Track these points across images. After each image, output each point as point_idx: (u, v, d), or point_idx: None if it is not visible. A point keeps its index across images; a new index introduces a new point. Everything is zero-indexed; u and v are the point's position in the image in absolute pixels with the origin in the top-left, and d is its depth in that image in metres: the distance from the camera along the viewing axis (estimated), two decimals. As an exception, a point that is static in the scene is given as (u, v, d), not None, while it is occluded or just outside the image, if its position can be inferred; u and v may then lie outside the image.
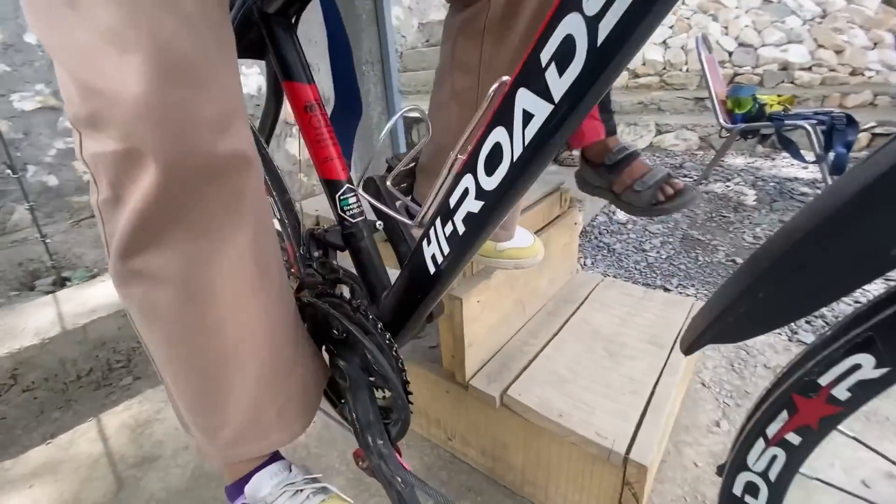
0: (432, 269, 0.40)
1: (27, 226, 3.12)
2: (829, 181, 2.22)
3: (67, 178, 3.34)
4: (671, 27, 4.46)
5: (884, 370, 0.26)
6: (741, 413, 1.05)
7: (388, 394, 0.50)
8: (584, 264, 1.96)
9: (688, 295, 1.67)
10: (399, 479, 0.48)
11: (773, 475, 0.32)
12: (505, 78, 0.31)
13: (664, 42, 4.39)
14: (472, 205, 0.35)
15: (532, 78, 0.29)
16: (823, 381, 0.29)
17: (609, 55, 0.25)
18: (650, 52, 4.37)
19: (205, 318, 0.40)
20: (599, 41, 0.25)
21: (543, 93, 0.27)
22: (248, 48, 0.54)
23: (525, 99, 0.29)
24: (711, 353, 1.25)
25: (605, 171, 0.98)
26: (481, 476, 0.95)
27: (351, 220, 0.50)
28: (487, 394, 0.84)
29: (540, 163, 0.31)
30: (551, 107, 0.28)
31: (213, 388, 0.42)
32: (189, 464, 1.01)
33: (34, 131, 3.02)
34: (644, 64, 4.35)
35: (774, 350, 1.26)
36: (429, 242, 0.39)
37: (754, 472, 0.32)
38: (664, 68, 4.30)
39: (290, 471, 0.47)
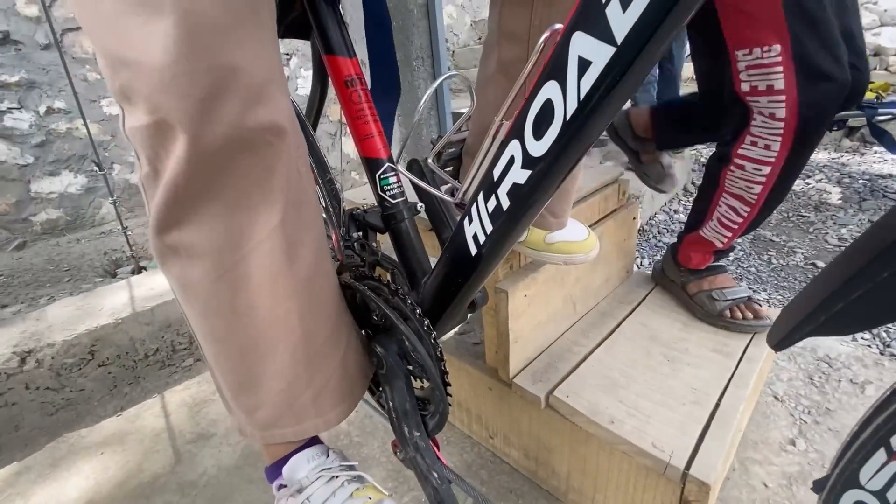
0: (474, 251, 0.37)
1: (112, 219, 3.44)
2: None
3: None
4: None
5: None
6: (820, 431, 0.93)
7: (426, 384, 0.47)
8: (641, 265, 1.85)
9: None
10: (435, 475, 0.45)
11: (893, 496, 0.26)
12: (557, 25, 0.28)
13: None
14: (518, 175, 0.31)
15: (590, 17, 0.25)
16: None
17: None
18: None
19: (237, 295, 0.39)
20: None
21: (604, 33, 0.24)
22: (292, 28, 0.54)
23: (581, 44, 0.25)
24: (786, 364, 1.12)
25: (689, 272, 1.01)
26: (523, 478, 0.90)
27: (391, 200, 0.48)
28: (532, 393, 0.79)
29: (597, 123, 0.27)
30: (613, 49, 0.24)
31: (248, 368, 0.42)
32: (240, 443, 1.05)
33: (120, 133, 3.30)
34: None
35: (863, 364, 1.11)
36: (470, 221, 0.37)
37: (868, 491, 0.26)
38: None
39: (328, 456, 0.46)
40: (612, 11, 0.23)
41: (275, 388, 0.42)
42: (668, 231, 2.09)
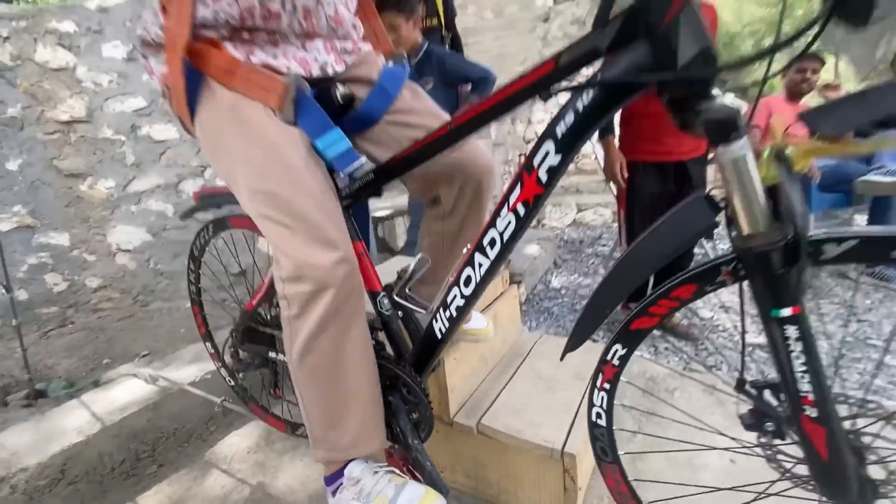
0: (439, 336, 0.78)
1: (-8, 342, 3.13)
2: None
3: (38, 291, 3.45)
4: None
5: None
6: (651, 424, 1.44)
7: (416, 415, 0.84)
8: (531, 327, 2.39)
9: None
10: (429, 463, 0.82)
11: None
12: (465, 249, 0.72)
13: (574, 136, 5.32)
14: (459, 301, 0.74)
15: (481, 250, 0.70)
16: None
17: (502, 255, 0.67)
18: (564, 144, 5.26)
19: (339, 373, 0.73)
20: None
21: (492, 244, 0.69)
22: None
23: (477, 258, 0.70)
24: (631, 383, 1.66)
25: None
26: (468, 496, 1.25)
27: (386, 313, 0.87)
28: (467, 425, 1.18)
29: (489, 281, 0.71)
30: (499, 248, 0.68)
31: (339, 413, 0.74)
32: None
33: (9, 248, 3.16)
34: (561, 154, 5.22)
35: (672, 377, 1.70)
36: (436, 322, 0.78)
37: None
38: (578, 158, 5.18)
39: (368, 462, 0.79)
40: (481, 258, 0.68)
41: (354, 425, 0.75)
42: (547, 298, 2.70)
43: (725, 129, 0.45)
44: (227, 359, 1.17)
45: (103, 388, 1.67)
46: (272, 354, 1.07)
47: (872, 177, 2.22)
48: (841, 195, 2.47)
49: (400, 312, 0.90)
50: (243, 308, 1.11)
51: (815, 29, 0.41)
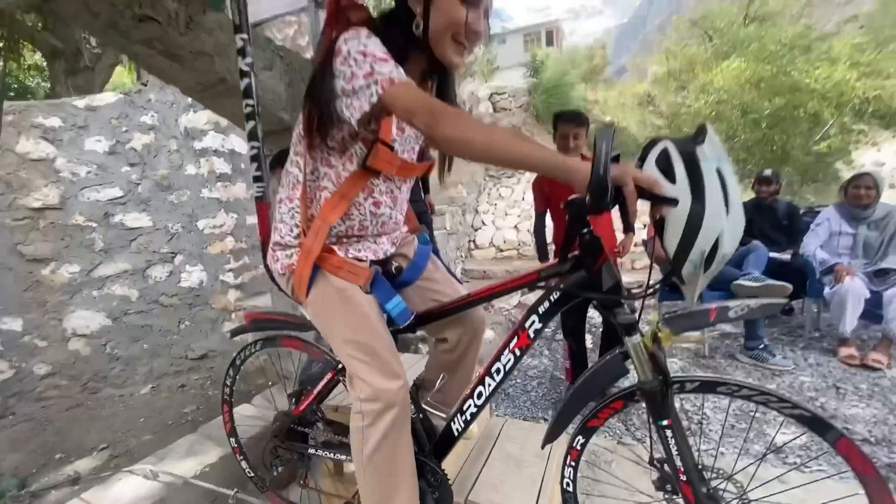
0: (456, 434, 1.12)
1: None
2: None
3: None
4: (518, 215, 6.20)
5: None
6: (593, 490, 1.80)
7: (437, 494, 1.15)
8: (492, 408, 2.72)
9: (559, 422, 2.50)
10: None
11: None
12: (476, 374, 1.09)
13: (516, 226, 6.05)
14: (473, 408, 1.09)
15: (489, 375, 1.07)
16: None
17: (503, 380, 1.06)
18: (508, 233, 5.96)
19: (396, 467, 1.00)
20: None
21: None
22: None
23: (487, 380, 1.07)
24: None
25: None
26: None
27: (412, 417, 1.20)
28: (457, 501, 1.48)
29: (493, 397, 1.07)
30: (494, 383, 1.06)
31: (392, 497, 1.02)
32: None
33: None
34: (505, 242, 5.89)
35: (608, 451, 2.10)
36: (454, 423, 1.12)
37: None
38: (519, 244, 5.87)
39: None
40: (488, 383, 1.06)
41: (404, 499, 1.04)
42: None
43: (629, 328, 0.89)
44: (266, 456, 1.39)
45: (103, 487, 1.74)
46: (308, 451, 1.33)
47: (742, 281, 2.94)
48: (724, 293, 3.17)
49: (421, 415, 1.24)
50: (290, 412, 1.37)
51: (658, 286, 0.87)
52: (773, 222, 3.82)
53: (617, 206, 0.78)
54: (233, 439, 1.57)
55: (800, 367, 2.93)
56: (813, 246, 3.24)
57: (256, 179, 1.30)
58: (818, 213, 3.59)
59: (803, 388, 2.66)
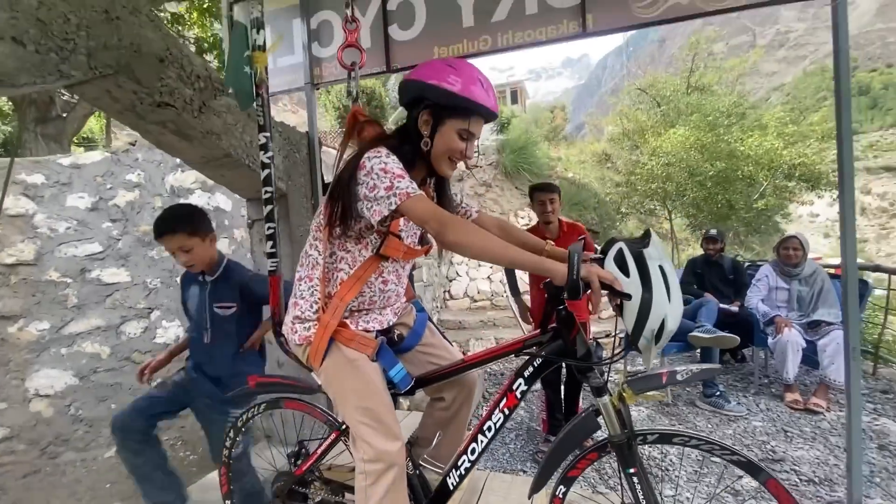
0: (451, 487, 1.24)
1: None
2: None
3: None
4: (491, 267, 6.46)
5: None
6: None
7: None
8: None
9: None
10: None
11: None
12: (469, 432, 1.23)
13: (489, 277, 6.30)
14: (467, 464, 1.22)
15: (482, 433, 1.22)
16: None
17: (493, 437, 1.21)
18: (482, 284, 6.18)
19: None
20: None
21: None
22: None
23: (479, 437, 1.21)
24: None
25: None
26: None
27: (409, 473, 1.30)
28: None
29: (484, 453, 1.21)
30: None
31: None
32: None
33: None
34: (479, 292, 6.10)
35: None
36: (449, 478, 1.24)
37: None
38: (492, 295, 6.09)
39: None
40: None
41: None
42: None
43: (599, 390, 1.08)
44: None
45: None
46: (307, 509, 1.40)
47: (697, 333, 3.23)
48: (682, 343, 3.45)
49: (417, 471, 1.36)
50: (291, 472, 1.44)
51: (621, 355, 1.07)
52: (721, 276, 4.22)
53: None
54: (229, 502, 1.61)
55: (752, 412, 3.19)
56: (755, 300, 3.61)
57: (270, 255, 1.46)
58: (761, 265, 4.00)
59: (756, 433, 2.90)
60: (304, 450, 1.50)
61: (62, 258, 3.49)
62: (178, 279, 3.55)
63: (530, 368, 1.17)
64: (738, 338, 3.14)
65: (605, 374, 1.14)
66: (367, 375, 1.16)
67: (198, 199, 3.84)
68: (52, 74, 1.50)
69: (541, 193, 2.73)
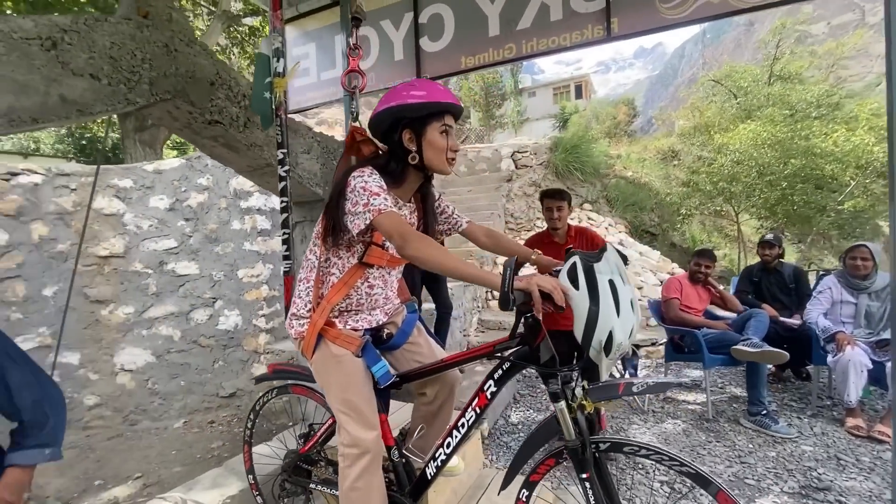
0: (429, 476, 1.34)
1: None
2: (630, 390, 3.54)
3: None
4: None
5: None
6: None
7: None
8: (493, 460, 2.86)
9: (553, 477, 2.61)
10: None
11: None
12: (447, 427, 1.32)
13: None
14: (443, 456, 1.31)
15: (456, 429, 1.31)
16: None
17: (467, 433, 1.29)
18: (524, 285, 6.15)
19: (370, 500, 1.25)
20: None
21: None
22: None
23: (454, 433, 1.30)
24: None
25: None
26: None
27: (395, 460, 1.42)
28: (441, 542, 1.66)
29: (461, 447, 1.30)
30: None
31: None
32: None
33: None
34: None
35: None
36: (428, 467, 1.34)
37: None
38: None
39: None
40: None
41: None
42: (506, 433, 3.21)
43: (556, 396, 1.13)
44: (275, 488, 1.64)
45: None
46: (310, 485, 1.57)
47: (741, 346, 3.03)
48: (726, 356, 3.25)
49: (403, 459, 1.47)
50: (297, 450, 1.63)
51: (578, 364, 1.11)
52: (780, 285, 3.90)
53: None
54: (251, 476, 1.83)
55: (804, 436, 2.94)
56: (815, 313, 3.31)
57: (286, 258, 1.65)
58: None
59: (803, 458, 2.68)
60: (312, 432, 1.67)
61: (145, 252, 4.02)
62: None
63: (499, 371, 1.24)
64: (786, 354, 2.91)
65: (575, 381, 1.17)
66: (350, 370, 1.29)
67: (256, 200, 4.24)
68: (120, 102, 1.79)
69: (549, 200, 2.77)
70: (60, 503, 2.87)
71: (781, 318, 3.63)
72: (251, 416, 1.77)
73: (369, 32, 2.87)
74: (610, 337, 1.00)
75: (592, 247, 2.72)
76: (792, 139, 6.57)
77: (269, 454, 1.98)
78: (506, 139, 15.16)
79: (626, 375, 3.52)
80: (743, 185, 7.01)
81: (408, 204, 1.38)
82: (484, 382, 1.27)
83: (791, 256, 9.73)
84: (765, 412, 3.06)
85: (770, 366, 3.89)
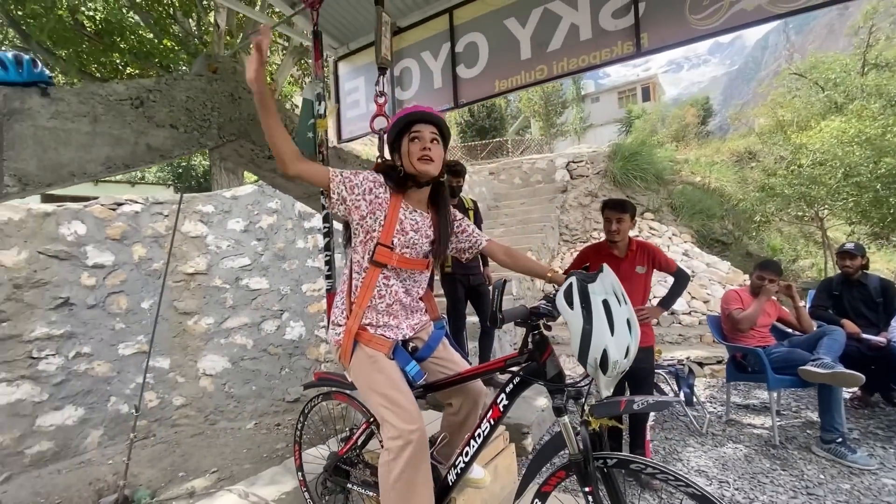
0: (450, 483, 1.43)
1: (94, 448, 3.87)
2: (686, 410, 3.36)
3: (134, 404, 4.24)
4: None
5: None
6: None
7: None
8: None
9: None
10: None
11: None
12: (467, 437, 1.41)
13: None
14: (461, 463, 1.40)
15: (473, 439, 1.39)
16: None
17: (483, 443, 1.37)
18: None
19: (415, 492, 1.31)
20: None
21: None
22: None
23: (472, 443, 1.38)
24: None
25: None
26: None
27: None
28: (469, 549, 1.73)
29: (478, 455, 1.37)
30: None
31: None
32: None
33: (126, 370, 4.04)
34: (576, 307, 5.96)
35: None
36: (449, 474, 1.43)
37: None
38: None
39: None
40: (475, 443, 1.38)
41: None
42: (550, 447, 3.18)
43: (560, 411, 1.18)
44: (318, 486, 1.81)
45: (210, 499, 2.30)
46: (348, 485, 1.73)
47: (809, 367, 2.78)
48: (795, 377, 2.99)
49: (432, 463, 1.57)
50: (336, 453, 1.79)
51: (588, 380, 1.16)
52: (865, 300, 3.53)
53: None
54: (300, 473, 2.02)
55: (887, 467, 2.64)
56: (903, 331, 2.96)
57: (328, 277, 1.84)
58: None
59: (882, 492, 2.41)
60: (351, 435, 1.83)
61: (223, 269, 4.52)
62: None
63: (510, 385, 1.32)
64: (861, 376, 2.63)
65: (584, 397, 1.22)
66: (386, 369, 1.41)
67: (317, 221, 4.61)
68: (194, 146, 2.11)
69: (609, 211, 2.56)
70: (150, 491, 3.29)
71: (866, 336, 3.28)
72: (300, 419, 1.97)
73: (411, 64, 3.08)
74: (605, 355, 1.05)
75: (654, 264, 2.59)
76: (883, 135, 5.84)
77: (321, 457, 2.18)
78: (567, 147, 14.91)
79: (681, 395, 3.36)
80: (827, 189, 6.34)
81: (423, 212, 1.52)
82: (497, 395, 1.35)
83: (889, 265, 8.58)
84: (840, 440, 2.78)
85: (854, 389, 3.50)
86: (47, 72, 1.60)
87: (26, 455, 3.55)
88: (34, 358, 3.62)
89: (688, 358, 4.25)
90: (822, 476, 2.63)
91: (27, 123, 1.53)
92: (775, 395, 3.12)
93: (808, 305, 3.87)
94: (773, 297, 3.37)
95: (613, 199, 2.67)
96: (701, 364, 4.62)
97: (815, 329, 3.27)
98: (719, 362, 4.57)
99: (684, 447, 3.04)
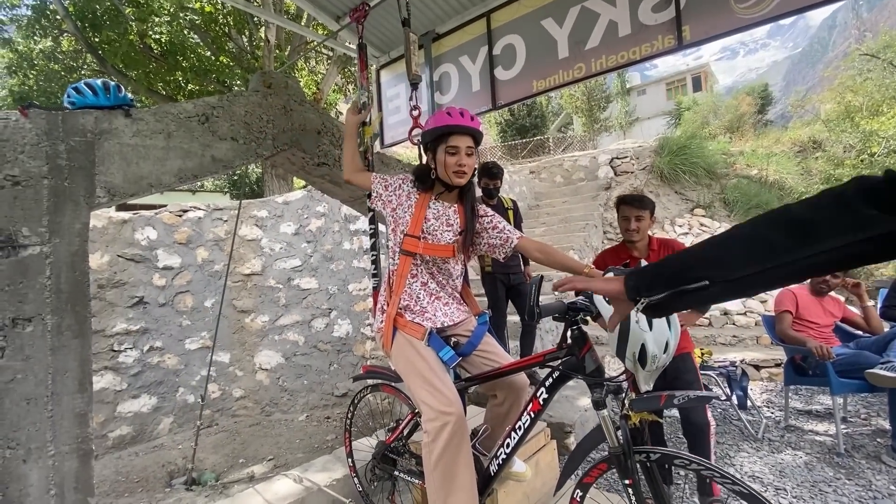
0: (492, 473, 1.48)
1: (165, 433, 4.21)
2: (739, 414, 3.22)
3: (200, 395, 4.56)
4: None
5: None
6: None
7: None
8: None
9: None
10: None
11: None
12: (508, 428, 1.46)
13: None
14: (503, 455, 1.45)
15: (514, 431, 1.44)
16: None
17: (524, 435, 1.41)
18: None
19: (457, 473, 1.38)
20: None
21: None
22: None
23: (512, 434, 1.44)
24: None
25: None
26: None
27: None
28: (512, 540, 1.78)
29: (519, 448, 1.42)
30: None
31: (454, 500, 1.42)
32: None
33: (191, 363, 4.37)
34: (621, 307, 5.81)
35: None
36: (491, 465, 1.48)
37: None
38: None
39: None
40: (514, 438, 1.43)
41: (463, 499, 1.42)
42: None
43: (599, 405, 1.21)
44: (367, 473, 1.92)
45: (267, 484, 2.48)
46: (395, 472, 1.82)
47: (878, 370, 2.60)
48: (862, 381, 2.80)
49: (474, 453, 1.64)
50: (383, 441, 1.90)
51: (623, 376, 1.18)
52: (946, 299, 3.23)
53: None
54: (350, 460, 2.15)
55: (971, 482, 2.42)
56: None
57: (374, 276, 1.95)
58: None
59: (963, 508, 2.22)
60: (397, 425, 1.93)
61: (277, 270, 4.79)
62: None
63: (550, 380, 1.35)
64: (938, 381, 2.43)
65: (624, 391, 1.24)
66: (423, 352, 1.49)
67: (362, 223, 4.79)
68: (251, 156, 2.28)
69: (626, 207, 2.26)
70: (215, 474, 3.56)
71: (945, 339, 3.01)
72: (351, 409, 2.09)
73: (450, 69, 3.15)
74: (643, 350, 1.07)
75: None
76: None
77: (369, 446, 2.30)
78: (611, 143, 14.48)
79: (734, 398, 3.23)
80: None
81: (451, 206, 1.62)
82: (537, 389, 1.39)
83: None
84: (916, 450, 2.58)
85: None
86: (129, 95, 1.80)
87: (109, 438, 3.94)
88: (115, 351, 4.01)
89: (742, 360, 4.05)
90: (892, 487, 2.45)
91: (114, 141, 1.74)
92: (840, 400, 2.93)
93: (878, 305, 3.59)
94: (839, 296, 3.17)
95: (631, 195, 2.36)
96: (757, 367, 4.39)
97: (885, 330, 3.04)
98: (777, 365, 4.32)
99: (737, 452, 2.92)
